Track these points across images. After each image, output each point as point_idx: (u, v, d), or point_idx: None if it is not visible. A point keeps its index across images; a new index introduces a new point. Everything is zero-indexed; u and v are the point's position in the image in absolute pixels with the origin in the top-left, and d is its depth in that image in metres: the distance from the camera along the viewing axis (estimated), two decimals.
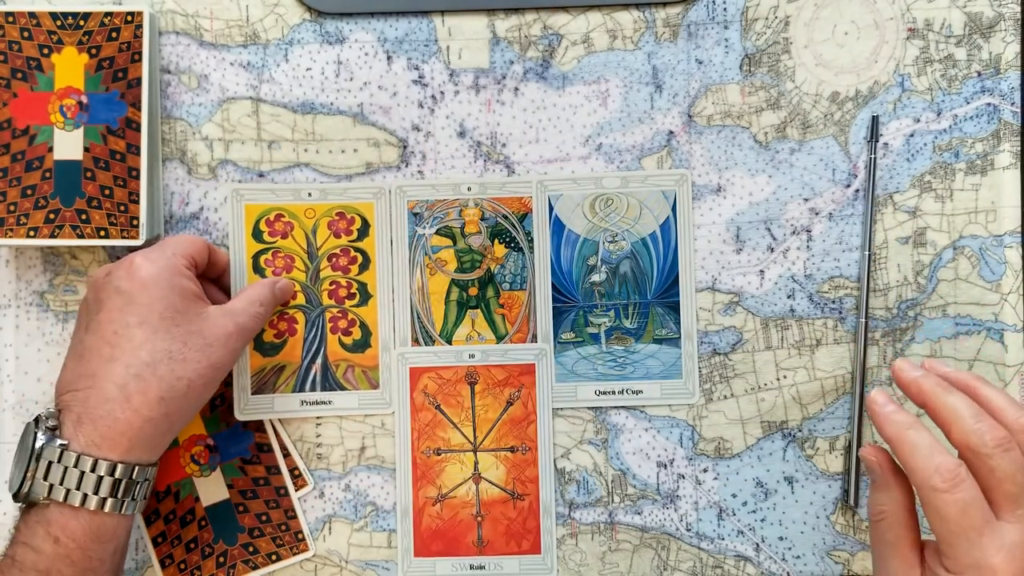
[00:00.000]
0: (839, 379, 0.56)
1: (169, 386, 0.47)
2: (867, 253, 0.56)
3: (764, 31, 0.56)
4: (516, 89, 0.57)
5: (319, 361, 0.57)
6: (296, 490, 0.56)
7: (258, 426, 0.56)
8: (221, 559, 0.56)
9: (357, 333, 0.57)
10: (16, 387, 0.57)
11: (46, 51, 0.54)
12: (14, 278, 0.57)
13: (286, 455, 0.56)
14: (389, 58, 0.57)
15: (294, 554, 0.56)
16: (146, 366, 0.47)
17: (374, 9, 0.56)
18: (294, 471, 0.56)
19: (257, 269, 0.57)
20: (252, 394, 0.56)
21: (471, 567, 0.57)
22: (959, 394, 0.43)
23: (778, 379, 0.57)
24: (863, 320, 0.56)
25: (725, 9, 0.56)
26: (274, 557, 0.56)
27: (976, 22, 0.56)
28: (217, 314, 0.50)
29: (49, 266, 0.57)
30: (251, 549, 0.56)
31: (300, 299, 0.57)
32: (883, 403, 0.44)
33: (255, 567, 0.56)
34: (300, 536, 0.56)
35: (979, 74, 0.56)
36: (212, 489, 0.56)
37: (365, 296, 0.57)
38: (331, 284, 0.57)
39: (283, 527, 0.56)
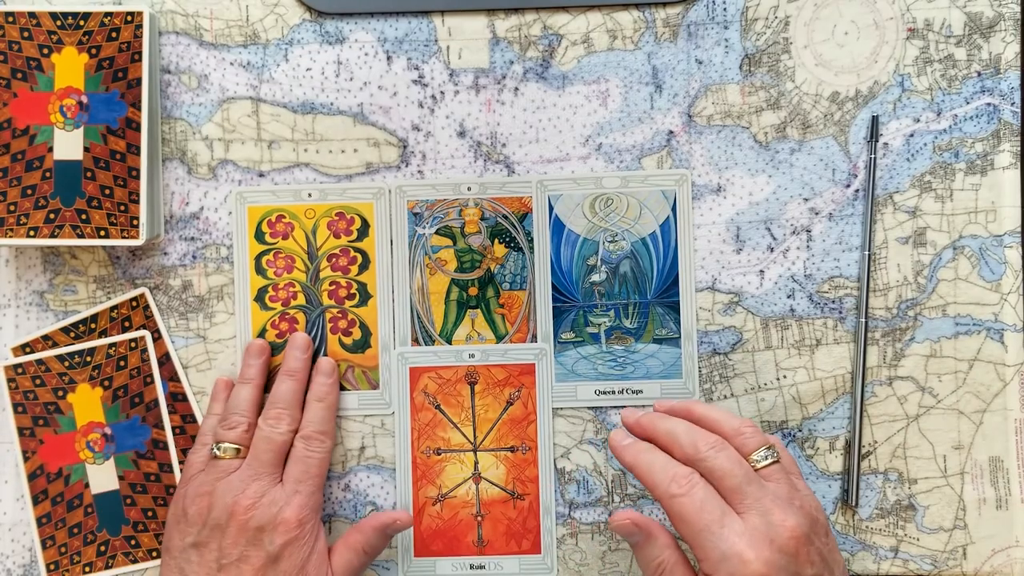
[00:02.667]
0: (839, 379, 0.56)
1: None
2: (867, 253, 0.56)
3: (764, 31, 0.56)
4: (516, 89, 0.57)
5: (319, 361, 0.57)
6: None
7: (156, 421, 0.56)
8: (102, 548, 0.56)
9: (357, 333, 0.57)
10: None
11: (46, 51, 0.54)
12: (14, 278, 0.57)
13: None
14: (389, 58, 0.57)
15: None
16: None
17: (374, 9, 0.56)
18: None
19: (259, 270, 0.57)
20: None
21: (471, 567, 0.57)
22: (675, 419, 0.48)
23: (778, 379, 0.57)
24: (863, 320, 0.56)
25: (725, 9, 0.56)
26: (154, 554, 0.56)
27: (976, 22, 0.56)
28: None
29: (49, 266, 0.57)
30: (133, 543, 0.56)
31: (300, 299, 0.57)
32: (620, 439, 0.48)
33: (135, 560, 0.56)
34: None
35: (979, 74, 0.56)
36: (103, 478, 0.56)
37: (365, 296, 0.57)
38: (331, 284, 0.57)
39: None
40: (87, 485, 0.56)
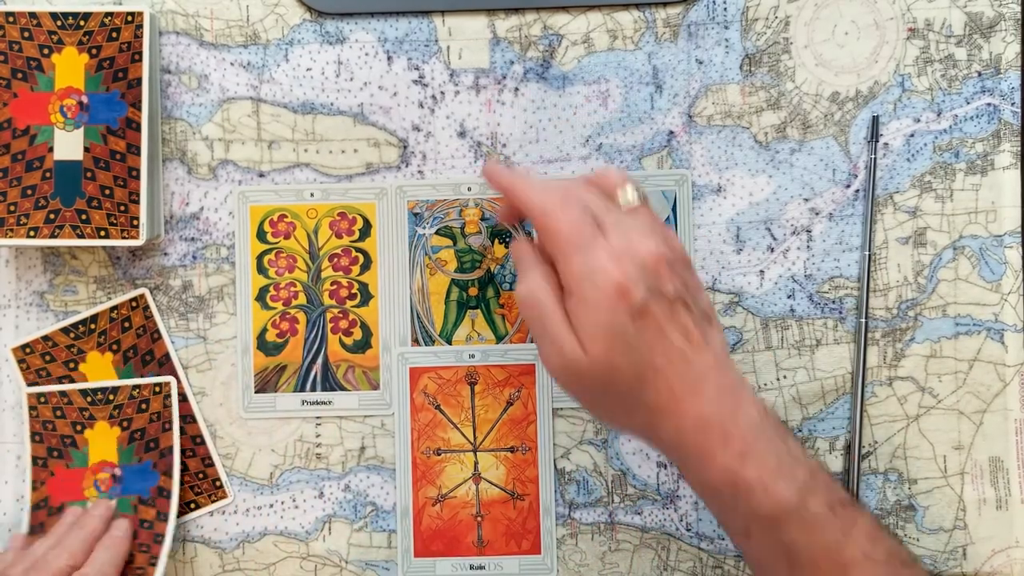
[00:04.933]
0: (839, 379, 0.56)
1: None
2: (867, 253, 0.56)
3: (764, 31, 0.56)
4: (516, 89, 0.57)
5: (320, 361, 0.57)
6: (214, 501, 0.57)
7: (166, 469, 0.56)
8: None
9: (358, 334, 0.57)
10: (16, 388, 0.57)
11: (46, 51, 0.54)
12: (14, 278, 0.57)
13: (203, 477, 0.57)
14: (389, 58, 0.57)
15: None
16: None
17: (374, 9, 0.56)
18: (216, 482, 0.57)
19: (261, 270, 0.57)
20: (255, 393, 0.57)
21: (471, 567, 0.57)
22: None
23: (778, 379, 0.57)
24: (863, 320, 0.56)
25: (725, 9, 0.56)
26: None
27: (976, 22, 0.56)
28: None
29: (49, 266, 0.57)
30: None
31: (302, 299, 0.57)
32: (491, 166, 0.48)
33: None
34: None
35: (979, 74, 0.56)
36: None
37: (366, 296, 0.57)
38: (332, 284, 0.57)
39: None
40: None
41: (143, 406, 0.55)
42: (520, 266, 0.47)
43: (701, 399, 0.43)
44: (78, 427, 0.56)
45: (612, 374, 0.43)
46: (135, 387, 0.56)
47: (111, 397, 0.56)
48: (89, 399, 0.56)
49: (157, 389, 0.56)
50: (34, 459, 0.56)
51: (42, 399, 0.56)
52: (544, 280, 0.44)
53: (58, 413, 0.56)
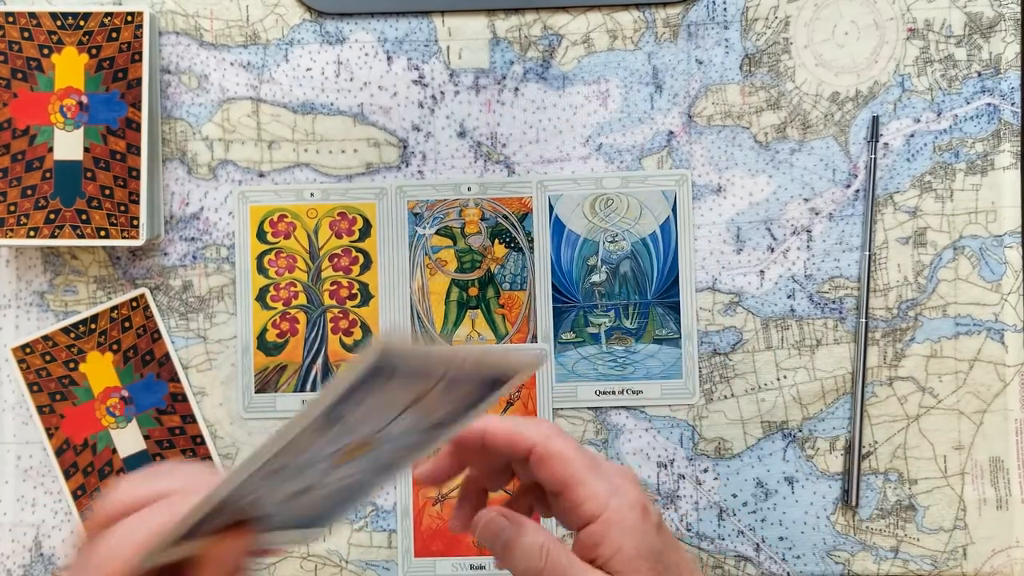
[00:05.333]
0: (839, 379, 0.56)
1: None
2: (867, 253, 0.56)
3: (764, 31, 0.56)
4: (516, 89, 0.57)
5: (320, 361, 0.57)
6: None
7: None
8: None
9: (358, 333, 0.57)
10: (16, 388, 0.57)
11: (46, 51, 0.54)
12: (14, 278, 0.57)
13: None
14: (389, 58, 0.57)
15: None
16: None
17: (374, 9, 0.56)
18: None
19: (261, 270, 0.57)
20: (255, 393, 0.56)
21: (471, 567, 0.57)
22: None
23: (778, 379, 0.57)
24: (863, 320, 0.56)
25: (725, 9, 0.56)
26: None
27: (976, 22, 0.56)
28: None
29: (49, 266, 0.57)
30: None
31: (302, 299, 0.57)
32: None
33: None
34: None
35: (979, 74, 0.56)
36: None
37: (366, 296, 0.57)
38: (332, 284, 0.57)
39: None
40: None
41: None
42: (500, 537, 0.40)
43: None
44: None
45: None
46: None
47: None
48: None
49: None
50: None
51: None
52: (546, 535, 0.40)
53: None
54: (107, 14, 0.54)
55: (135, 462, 0.56)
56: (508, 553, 0.40)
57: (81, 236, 0.54)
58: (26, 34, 0.54)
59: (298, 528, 0.38)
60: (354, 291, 0.57)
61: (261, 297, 0.57)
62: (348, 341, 0.57)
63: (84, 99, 0.54)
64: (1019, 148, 0.56)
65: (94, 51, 0.54)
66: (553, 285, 0.57)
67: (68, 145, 0.54)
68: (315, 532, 0.40)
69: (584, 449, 0.41)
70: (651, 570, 0.39)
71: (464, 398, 0.36)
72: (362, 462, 0.36)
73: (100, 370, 0.56)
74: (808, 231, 0.56)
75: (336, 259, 0.57)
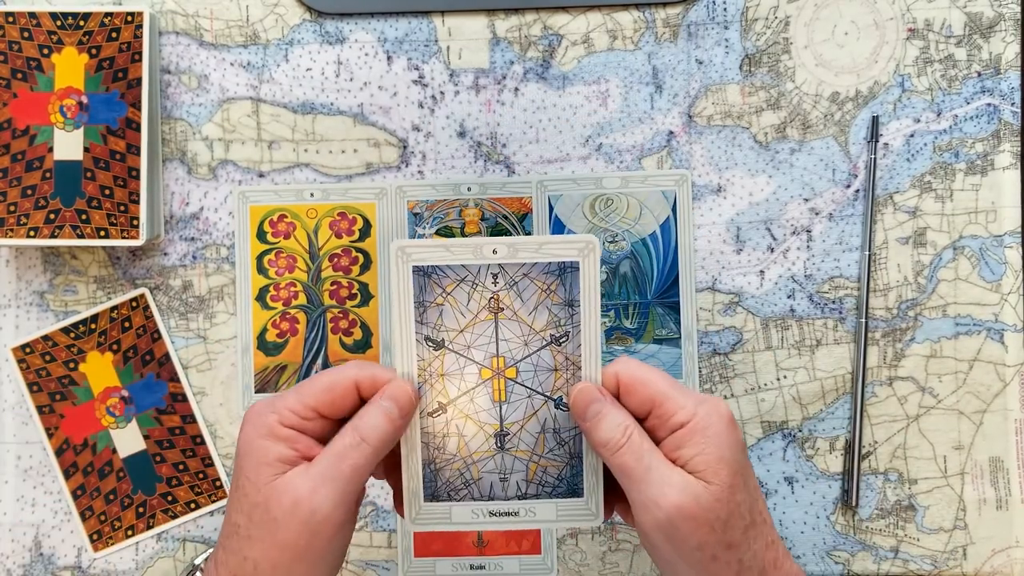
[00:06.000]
0: (839, 379, 0.56)
1: (237, 565, 0.40)
2: (867, 253, 0.56)
3: (764, 31, 0.56)
4: (516, 89, 0.57)
5: (320, 361, 0.57)
6: (214, 501, 0.57)
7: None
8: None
9: (358, 333, 0.57)
10: (16, 388, 0.57)
11: (46, 51, 0.54)
12: (14, 278, 0.57)
13: None
14: (389, 58, 0.57)
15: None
16: (223, 538, 0.42)
17: (374, 9, 0.56)
18: (216, 482, 0.57)
19: (261, 270, 0.57)
20: (255, 393, 0.56)
21: (471, 567, 0.57)
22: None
23: (778, 379, 0.57)
24: (863, 320, 0.56)
25: (725, 9, 0.56)
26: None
27: (976, 22, 0.56)
28: (293, 480, 0.40)
29: (49, 266, 0.57)
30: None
31: (302, 299, 0.57)
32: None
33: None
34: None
35: (979, 74, 0.56)
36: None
37: (366, 296, 0.57)
38: (332, 284, 0.57)
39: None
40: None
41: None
42: (591, 408, 0.41)
43: (792, 564, 0.41)
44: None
45: (732, 512, 0.39)
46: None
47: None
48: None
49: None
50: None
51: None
52: (632, 420, 0.41)
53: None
54: (107, 14, 0.54)
55: (135, 462, 0.56)
56: (595, 423, 0.41)
57: (81, 236, 0.54)
58: (26, 34, 0.54)
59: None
60: (354, 291, 0.57)
61: (261, 297, 0.57)
62: (348, 341, 0.57)
63: (84, 99, 0.54)
64: (1019, 148, 0.56)
65: (94, 51, 0.54)
66: None
67: (68, 145, 0.54)
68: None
69: (666, 373, 0.42)
70: (731, 477, 0.39)
71: (545, 296, 0.42)
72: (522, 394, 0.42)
73: (100, 370, 0.56)
74: (808, 231, 0.56)
75: (336, 259, 0.57)
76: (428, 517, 0.43)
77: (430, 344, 0.43)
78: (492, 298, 0.42)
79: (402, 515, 0.44)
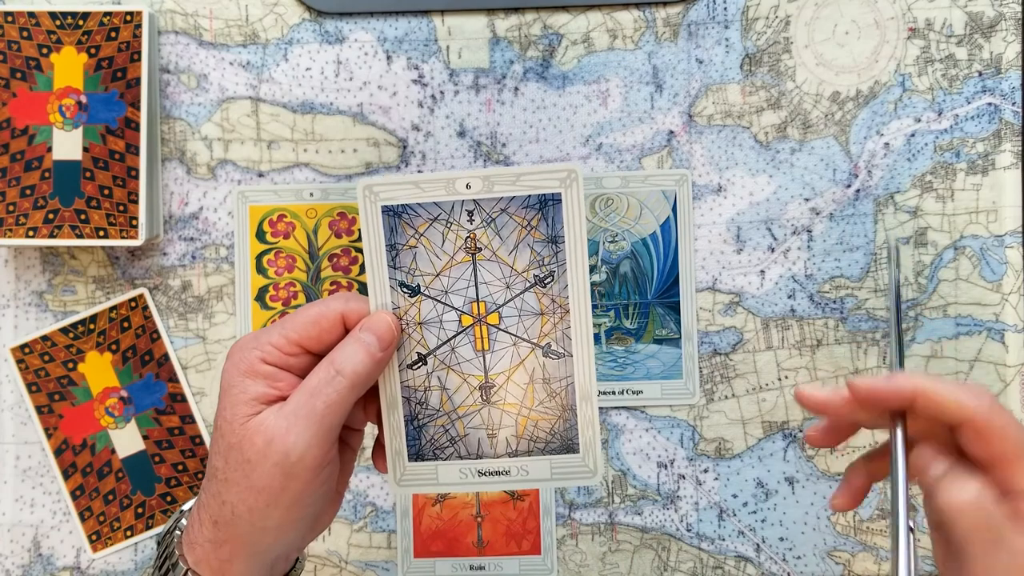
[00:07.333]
0: (840, 379, 0.56)
1: (216, 509, 0.39)
2: (882, 247, 0.56)
3: (764, 31, 0.56)
4: (516, 89, 0.57)
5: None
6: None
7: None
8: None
9: None
10: (14, 388, 0.57)
11: (45, 51, 0.54)
12: (13, 278, 0.57)
13: None
14: (389, 58, 0.57)
15: None
16: (205, 481, 0.40)
17: (374, 9, 0.56)
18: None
19: (260, 269, 0.57)
20: None
21: (471, 568, 0.56)
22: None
23: (779, 379, 0.57)
24: (896, 306, 0.55)
25: (725, 9, 0.56)
26: None
27: (977, 22, 0.56)
28: (266, 420, 0.38)
29: (48, 266, 0.57)
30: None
31: (301, 299, 0.57)
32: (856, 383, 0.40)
33: None
34: None
35: (980, 74, 0.56)
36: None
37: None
38: (332, 284, 0.57)
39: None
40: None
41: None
42: (935, 470, 0.38)
43: None
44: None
45: None
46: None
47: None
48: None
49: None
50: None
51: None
52: (985, 487, 0.37)
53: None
54: (106, 13, 0.54)
55: (134, 462, 0.56)
56: (936, 487, 0.38)
57: (80, 236, 0.54)
58: (25, 34, 0.54)
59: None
60: (354, 291, 0.57)
61: (260, 297, 0.57)
62: None
63: (83, 99, 0.54)
64: (1020, 148, 0.56)
65: (93, 50, 0.54)
66: None
67: (67, 145, 0.54)
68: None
69: (1021, 424, 0.38)
70: None
71: (525, 232, 0.39)
72: (507, 341, 0.39)
73: (99, 370, 0.56)
74: (808, 231, 0.56)
75: (336, 259, 0.57)
76: (414, 478, 0.41)
77: (405, 290, 0.40)
78: (468, 237, 0.39)
79: (382, 471, 0.42)
